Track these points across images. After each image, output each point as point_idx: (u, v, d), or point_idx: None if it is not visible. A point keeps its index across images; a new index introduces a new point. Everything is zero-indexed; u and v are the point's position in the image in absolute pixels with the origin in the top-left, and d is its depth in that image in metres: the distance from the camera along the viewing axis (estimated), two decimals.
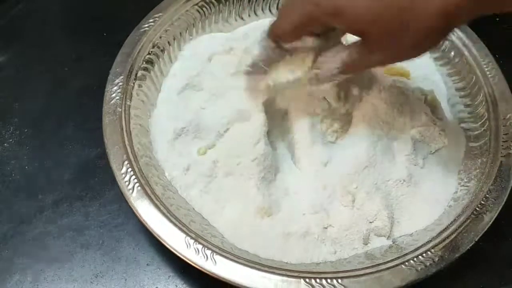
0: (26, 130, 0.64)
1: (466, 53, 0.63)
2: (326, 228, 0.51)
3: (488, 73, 0.61)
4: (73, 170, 0.61)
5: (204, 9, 0.65)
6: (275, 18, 0.53)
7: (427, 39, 0.45)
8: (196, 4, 0.65)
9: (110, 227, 0.57)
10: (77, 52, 0.71)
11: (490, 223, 0.50)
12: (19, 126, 0.64)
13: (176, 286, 0.54)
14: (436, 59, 0.65)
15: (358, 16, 0.45)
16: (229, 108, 0.56)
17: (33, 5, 0.76)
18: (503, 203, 0.52)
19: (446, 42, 0.64)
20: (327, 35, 0.51)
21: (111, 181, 0.51)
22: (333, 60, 0.50)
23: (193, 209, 0.52)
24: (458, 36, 0.64)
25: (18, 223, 0.57)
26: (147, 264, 0.55)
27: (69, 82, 0.68)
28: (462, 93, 0.62)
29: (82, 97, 0.66)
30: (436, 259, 0.48)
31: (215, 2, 0.66)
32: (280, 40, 0.51)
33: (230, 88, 0.57)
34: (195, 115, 0.56)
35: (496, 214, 0.51)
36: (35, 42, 0.72)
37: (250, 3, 0.68)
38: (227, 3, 0.67)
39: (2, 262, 0.55)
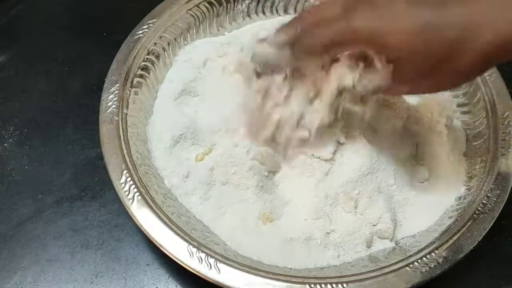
0: (26, 130, 0.61)
1: None
2: (328, 233, 0.49)
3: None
4: (73, 170, 0.59)
5: (198, 14, 0.62)
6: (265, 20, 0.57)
7: (469, 74, 0.41)
8: (190, 9, 0.61)
9: (110, 227, 0.55)
10: (77, 52, 0.68)
11: (493, 222, 0.48)
12: (19, 126, 0.62)
13: (176, 286, 0.52)
14: None
15: (399, 44, 0.39)
16: (221, 114, 0.53)
17: (33, 5, 0.73)
18: (504, 202, 0.49)
19: None
20: None
21: (111, 181, 0.49)
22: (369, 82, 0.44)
23: (194, 216, 0.49)
24: None
25: (18, 223, 0.55)
26: (147, 264, 0.53)
27: (69, 82, 0.65)
28: (460, 92, 0.59)
29: (82, 97, 0.64)
30: (440, 260, 0.45)
31: (208, 7, 0.62)
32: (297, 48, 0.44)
33: (223, 93, 0.55)
34: (192, 121, 0.53)
35: (498, 213, 0.48)
36: (35, 42, 0.70)
37: (244, 6, 0.64)
38: (221, 7, 0.63)
39: (2, 262, 0.53)
